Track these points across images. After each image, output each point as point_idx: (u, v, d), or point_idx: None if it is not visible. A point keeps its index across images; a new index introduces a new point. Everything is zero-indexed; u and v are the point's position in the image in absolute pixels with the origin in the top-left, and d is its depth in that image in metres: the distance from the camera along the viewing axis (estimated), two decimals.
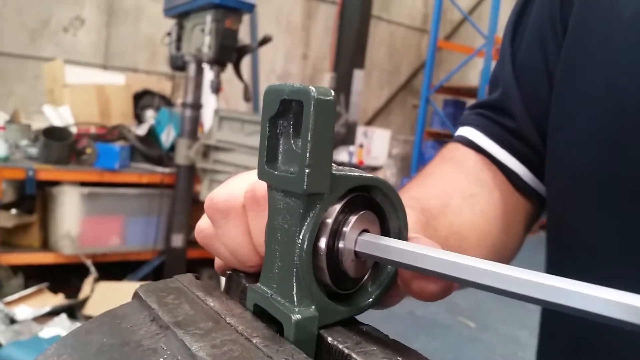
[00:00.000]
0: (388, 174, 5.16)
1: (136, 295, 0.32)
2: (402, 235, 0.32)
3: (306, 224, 0.28)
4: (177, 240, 2.69)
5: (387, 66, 5.80)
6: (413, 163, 5.33)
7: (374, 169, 4.70)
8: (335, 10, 5.07)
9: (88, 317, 2.32)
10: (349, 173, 0.29)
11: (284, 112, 0.29)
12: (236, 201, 0.33)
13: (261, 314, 0.30)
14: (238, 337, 0.27)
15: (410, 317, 3.11)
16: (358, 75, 4.82)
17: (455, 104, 5.70)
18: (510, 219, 0.56)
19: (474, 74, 6.40)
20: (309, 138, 0.26)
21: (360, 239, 0.30)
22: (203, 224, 0.36)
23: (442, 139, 5.73)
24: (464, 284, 0.27)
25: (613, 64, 0.44)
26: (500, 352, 2.83)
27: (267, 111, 0.29)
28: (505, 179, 0.57)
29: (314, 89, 0.26)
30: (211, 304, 0.31)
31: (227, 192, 0.34)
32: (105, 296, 2.38)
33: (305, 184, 0.26)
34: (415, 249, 0.28)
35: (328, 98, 0.26)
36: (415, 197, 0.47)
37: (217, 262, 0.37)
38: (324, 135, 0.26)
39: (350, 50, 4.80)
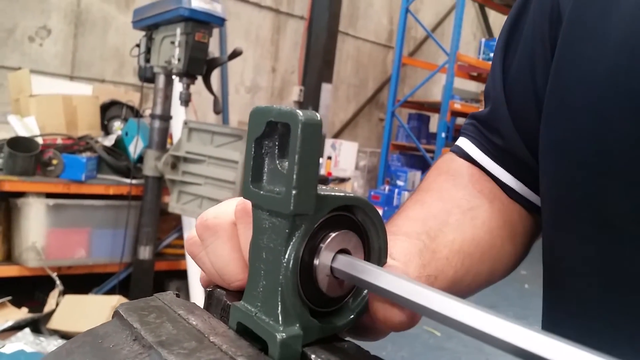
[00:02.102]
0: (356, 186, 5.22)
1: (117, 314, 0.32)
2: (382, 253, 0.32)
3: (292, 243, 0.28)
4: (145, 253, 2.66)
5: (354, 81, 5.90)
6: (380, 174, 5.41)
7: (342, 180, 4.75)
8: (303, 25, 5.14)
9: (53, 332, 2.27)
10: (332, 193, 0.29)
11: (270, 133, 0.29)
12: (225, 218, 0.34)
13: (244, 332, 0.30)
14: (222, 356, 0.27)
15: None
16: (326, 89, 4.89)
17: (419, 117, 5.83)
18: (513, 228, 0.55)
19: (437, 89, 6.56)
20: (296, 160, 0.26)
21: (337, 257, 0.30)
22: (194, 234, 0.37)
23: (407, 152, 5.84)
24: (425, 313, 0.27)
25: (599, 89, 0.43)
26: None
27: (253, 132, 0.29)
28: (501, 191, 0.56)
29: (301, 112, 0.27)
30: (194, 322, 0.31)
31: (217, 211, 0.35)
32: (71, 309, 2.33)
33: (292, 205, 0.27)
34: (383, 273, 0.29)
35: (315, 121, 0.27)
36: (413, 218, 0.47)
37: (202, 275, 0.37)
38: (310, 157, 0.27)
39: (318, 64, 4.87)
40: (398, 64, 5.21)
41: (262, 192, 0.29)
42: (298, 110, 0.27)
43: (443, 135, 4.91)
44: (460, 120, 6.97)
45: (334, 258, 0.30)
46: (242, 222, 0.33)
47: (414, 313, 0.30)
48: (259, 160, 0.30)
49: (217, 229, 0.34)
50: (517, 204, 0.57)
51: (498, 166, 0.56)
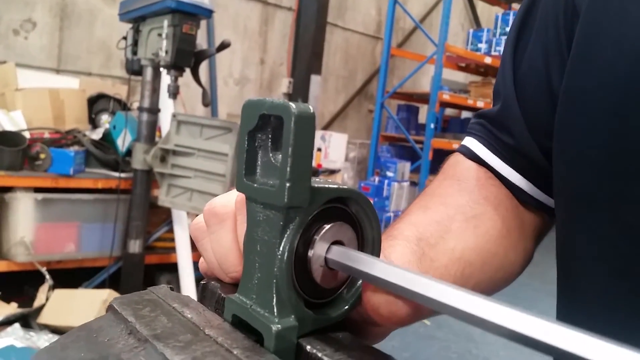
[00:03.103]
0: (345, 177, 5.23)
1: (111, 308, 0.32)
2: (375, 244, 0.33)
3: (286, 235, 0.28)
4: (135, 246, 2.66)
5: (343, 72, 5.89)
6: (369, 166, 5.43)
7: (332, 172, 4.76)
8: (291, 17, 5.12)
9: (43, 326, 2.26)
10: (326, 185, 0.29)
11: (263, 126, 0.29)
12: (232, 207, 0.34)
13: (239, 324, 0.30)
14: (218, 348, 0.27)
15: None
16: (315, 80, 4.88)
17: (408, 108, 5.85)
18: (517, 235, 0.54)
19: (425, 80, 6.57)
20: (290, 153, 0.26)
21: (331, 248, 0.30)
22: (200, 219, 0.37)
23: (397, 143, 5.85)
24: (422, 301, 0.27)
25: (618, 91, 0.42)
26: (455, 350, 2.93)
27: (245, 125, 0.29)
28: (509, 194, 0.55)
29: (294, 105, 0.27)
30: (188, 315, 0.31)
31: (225, 199, 0.35)
32: (61, 304, 2.32)
33: (286, 197, 0.27)
34: (379, 262, 0.29)
35: (308, 114, 0.27)
36: (414, 223, 0.46)
37: (202, 263, 0.37)
38: (303, 150, 0.27)
39: (307, 56, 4.85)
40: (387, 55, 5.21)
41: (255, 185, 0.29)
42: (291, 103, 0.27)
43: (432, 126, 4.93)
44: (449, 111, 6.99)
45: (328, 249, 0.30)
46: (240, 213, 0.33)
47: (418, 305, 0.30)
48: (252, 153, 0.30)
49: (224, 217, 0.34)
50: (526, 204, 0.56)
51: (507, 166, 0.55)
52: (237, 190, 0.30)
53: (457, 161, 0.58)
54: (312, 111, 0.27)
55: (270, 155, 0.30)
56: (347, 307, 0.32)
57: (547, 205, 0.55)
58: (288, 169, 0.27)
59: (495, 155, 0.56)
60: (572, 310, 0.53)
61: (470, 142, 0.58)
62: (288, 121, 0.27)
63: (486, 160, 0.56)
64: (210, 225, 0.35)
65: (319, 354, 0.28)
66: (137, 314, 0.30)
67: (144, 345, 0.28)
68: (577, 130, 0.46)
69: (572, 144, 0.47)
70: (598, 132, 0.44)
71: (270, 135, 0.30)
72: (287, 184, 0.27)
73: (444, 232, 0.46)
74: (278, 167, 0.28)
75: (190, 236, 0.39)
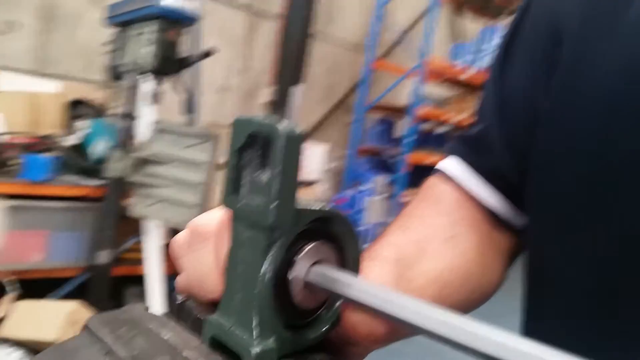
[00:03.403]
0: (323, 189, 5.23)
1: (86, 327, 0.31)
2: (356, 263, 0.33)
3: (269, 256, 0.28)
4: (103, 257, 2.60)
5: (325, 83, 5.90)
6: (346, 178, 5.44)
7: (310, 183, 4.75)
8: (276, 26, 5.10)
9: (5, 340, 2.19)
10: (310, 207, 0.30)
11: (251, 144, 0.29)
12: (215, 227, 0.34)
13: (218, 345, 0.30)
14: None
15: None
16: (298, 90, 4.87)
17: (386, 121, 5.88)
18: (491, 257, 0.55)
19: (405, 93, 6.61)
20: (277, 173, 0.26)
21: (311, 269, 0.30)
22: (182, 237, 0.36)
23: (375, 156, 5.88)
24: (403, 324, 0.27)
25: (604, 109, 0.43)
26: None
27: (234, 143, 0.29)
28: (485, 216, 0.56)
29: (282, 125, 0.26)
30: (166, 336, 0.31)
31: (208, 217, 0.35)
32: (24, 316, 2.25)
33: (271, 217, 0.27)
34: (357, 281, 0.29)
35: (296, 135, 0.27)
36: (393, 244, 0.47)
37: (180, 281, 0.37)
38: (291, 170, 0.27)
39: (290, 66, 4.84)
40: (368, 69, 5.23)
41: (239, 203, 0.29)
42: (280, 124, 0.27)
43: (409, 139, 4.97)
44: (428, 125, 7.06)
45: (309, 270, 0.30)
46: (223, 234, 0.32)
47: (396, 325, 0.30)
48: (239, 171, 0.30)
49: (206, 237, 0.34)
50: (500, 227, 0.56)
51: (484, 189, 0.56)
52: (223, 207, 0.30)
53: (434, 184, 0.59)
54: (300, 132, 0.27)
55: (258, 173, 0.29)
56: (326, 327, 0.32)
57: (518, 227, 0.56)
58: (274, 189, 0.26)
59: (473, 177, 0.56)
60: (538, 329, 0.53)
61: (448, 164, 0.59)
62: (276, 142, 0.26)
63: (462, 183, 0.57)
64: (191, 243, 0.35)
65: None
66: (114, 333, 0.30)
67: None
68: (560, 150, 0.47)
69: (556, 161, 0.48)
70: (582, 151, 0.45)
71: (258, 154, 0.29)
72: (273, 204, 0.26)
73: (422, 252, 0.47)
74: (264, 187, 0.28)
75: (168, 252, 0.38)
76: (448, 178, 0.58)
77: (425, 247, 0.48)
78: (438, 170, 0.60)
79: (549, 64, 0.50)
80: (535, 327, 0.55)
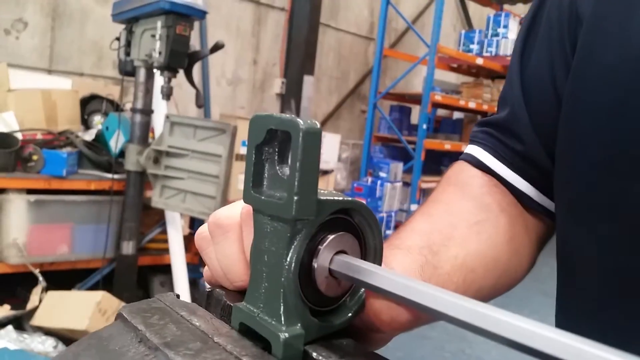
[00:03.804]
0: (338, 178, 5.24)
1: (120, 316, 0.32)
2: (377, 252, 0.34)
3: (293, 247, 0.29)
4: (128, 248, 2.65)
5: (336, 73, 5.90)
6: (362, 166, 5.44)
7: (325, 172, 4.76)
8: (284, 17, 5.12)
9: (37, 328, 2.25)
10: (331, 198, 0.30)
11: (270, 140, 0.30)
12: (237, 219, 0.35)
13: (246, 332, 0.31)
14: (228, 356, 0.28)
15: None
16: (308, 81, 4.88)
17: (401, 109, 5.86)
18: (520, 241, 0.55)
19: (418, 81, 6.59)
20: (298, 167, 0.27)
21: (335, 258, 0.31)
22: (205, 228, 0.38)
23: (389, 143, 5.87)
24: (424, 311, 0.28)
25: (620, 93, 0.44)
26: (449, 349, 2.94)
27: (253, 139, 0.30)
28: (514, 200, 0.56)
29: (301, 121, 0.27)
30: (197, 323, 0.32)
31: (230, 210, 0.36)
32: (54, 306, 2.31)
33: (293, 210, 0.28)
34: (380, 271, 0.30)
35: (315, 130, 0.28)
36: (417, 231, 0.47)
37: (207, 272, 0.38)
38: (311, 164, 0.28)
39: (299, 56, 4.86)
40: (379, 56, 5.22)
41: (263, 197, 0.30)
42: (299, 120, 0.28)
43: (424, 126, 4.95)
44: (441, 112, 7.02)
45: (332, 259, 0.31)
46: (247, 224, 0.33)
47: (418, 312, 0.31)
48: (259, 166, 0.31)
49: (228, 229, 0.35)
50: (528, 213, 0.57)
51: (513, 173, 0.56)
52: (245, 202, 0.31)
53: (461, 169, 0.59)
54: (319, 127, 0.28)
55: (277, 168, 0.31)
56: (350, 314, 0.33)
57: (551, 210, 0.56)
58: (296, 182, 0.27)
59: (501, 162, 0.56)
60: (570, 308, 0.54)
61: (475, 150, 0.59)
62: (296, 137, 0.27)
63: (492, 167, 0.57)
64: (214, 236, 0.36)
65: None
66: (146, 322, 0.31)
67: (154, 353, 0.28)
68: (580, 131, 0.48)
69: (574, 145, 0.49)
70: (599, 132, 0.46)
71: (277, 149, 0.31)
72: (295, 197, 0.27)
73: (446, 239, 0.47)
74: (285, 180, 0.29)
75: (196, 244, 0.39)
76: (474, 164, 0.58)
77: (451, 233, 0.48)
78: (464, 157, 0.60)
79: (569, 45, 0.51)
80: (567, 305, 0.55)
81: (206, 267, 0.38)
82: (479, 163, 0.58)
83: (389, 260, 0.41)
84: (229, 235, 0.35)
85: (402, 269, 0.41)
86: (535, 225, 0.57)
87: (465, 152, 0.60)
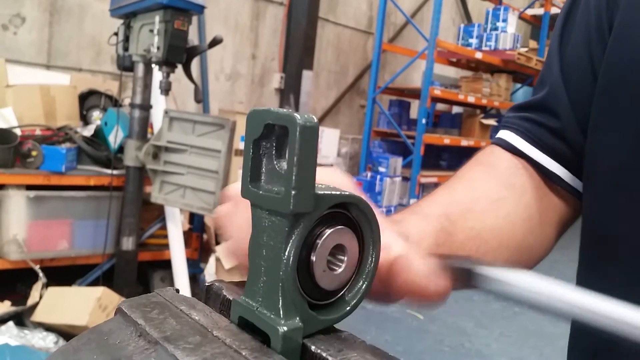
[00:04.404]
0: None
1: (119, 310, 0.32)
2: (375, 247, 0.33)
3: (291, 241, 0.29)
4: (128, 243, 2.65)
5: (335, 67, 5.89)
6: (362, 161, 5.44)
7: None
8: (282, 11, 5.11)
9: (38, 324, 2.26)
10: (329, 192, 0.30)
11: (268, 134, 0.30)
12: None
13: (245, 325, 0.31)
14: (227, 349, 0.28)
15: (362, 312, 3.18)
16: (307, 76, 4.88)
17: (400, 104, 5.86)
18: (540, 221, 0.56)
19: (417, 75, 6.58)
20: (295, 162, 0.27)
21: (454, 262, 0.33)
22: (225, 206, 0.38)
23: (389, 138, 5.87)
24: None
25: None
26: (448, 343, 2.95)
27: (250, 133, 0.30)
28: (541, 182, 0.58)
29: (298, 116, 0.27)
30: (196, 317, 0.32)
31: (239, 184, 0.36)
32: (55, 302, 2.31)
33: (291, 204, 0.28)
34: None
35: (312, 124, 0.28)
36: (438, 202, 0.48)
37: (227, 247, 0.38)
38: (308, 158, 0.28)
39: (298, 51, 4.84)
40: (378, 51, 5.21)
41: (260, 192, 0.30)
42: (296, 114, 0.28)
43: (423, 121, 4.95)
44: (441, 106, 7.01)
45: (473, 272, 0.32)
46: None
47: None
48: (257, 161, 0.31)
49: (240, 200, 0.35)
50: (554, 194, 0.58)
51: (544, 154, 0.57)
52: (243, 197, 0.31)
53: (491, 151, 0.61)
54: (316, 121, 0.28)
55: (275, 163, 0.31)
56: (348, 308, 0.33)
57: (579, 191, 0.58)
58: (293, 177, 0.27)
59: (532, 145, 0.58)
60: (592, 286, 0.55)
61: (506, 135, 0.60)
62: (293, 131, 0.27)
63: (522, 150, 0.58)
64: (235, 211, 0.37)
65: (324, 354, 0.29)
66: (145, 316, 0.31)
67: (154, 347, 0.28)
68: (614, 109, 0.49)
69: (608, 122, 0.50)
70: (634, 110, 0.47)
71: (274, 144, 0.31)
72: (293, 192, 0.27)
73: (465, 211, 0.49)
74: (283, 175, 0.29)
75: (214, 227, 0.39)
76: (506, 147, 0.59)
77: (470, 207, 0.49)
78: (496, 141, 0.61)
79: (607, 26, 0.53)
80: (589, 280, 0.56)
81: (226, 243, 0.38)
82: (510, 146, 0.59)
83: (405, 224, 0.42)
84: (240, 207, 0.35)
85: (417, 232, 0.42)
86: (560, 207, 0.58)
87: (497, 137, 0.62)
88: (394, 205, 5.13)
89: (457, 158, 6.09)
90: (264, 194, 0.30)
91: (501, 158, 0.59)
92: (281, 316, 0.29)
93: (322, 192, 0.30)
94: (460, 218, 0.47)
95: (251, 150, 0.30)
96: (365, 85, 5.96)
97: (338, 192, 0.31)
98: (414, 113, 6.01)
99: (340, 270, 0.32)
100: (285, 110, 0.29)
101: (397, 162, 5.25)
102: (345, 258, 0.32)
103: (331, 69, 5.84)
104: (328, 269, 0.31)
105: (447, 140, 5.36)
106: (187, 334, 0.29)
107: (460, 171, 0.57)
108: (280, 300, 0.29)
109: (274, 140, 0.31)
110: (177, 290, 0.36)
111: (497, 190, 0.53)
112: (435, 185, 5.66)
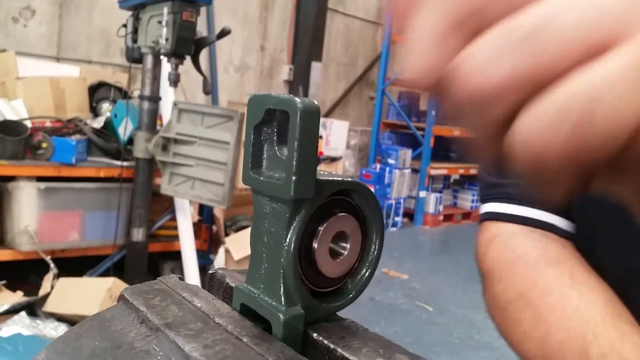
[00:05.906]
0: (347, 164, 5.23)
1: (122, 297, 0.32)
2: (378, 234, 0.33)
3: (292, 227, 0.29)
4: (138, 235, 2.67)
5: (344, 59, 5.86)
6: (371, 153, 5.42)
7: (333, 159, 4.75)
8: (291, 3, 5.08)
9: (49, 314, 2.28)
10: (330, 178, 0.30)
11: (269, 120, 0.30)
12: None
13: (247, 312, 0.31)
14: (228, 336, 0.28)
15: (371, 303, 3.19)
16: (316, 67, 4.86)
17: (410, 96, 5.83)
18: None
19: None
20: (296, 147, 0.27)
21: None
22: None
23: (398, 130, 5.84)
24: None
25: None
26: (457, 335, 2.95)
27: (251, 119, 0.30)
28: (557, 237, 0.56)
29: (299, 100, 0.27)
30: (198, 304, 0.32)
31: None
32: (66, 292, 2.34)
33: (292, 190, 0.27)
34: None
35: (313, 109, 0.27)
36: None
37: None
38: (309, 143, 0.27)
39: (307, 42, 4.83)
40: (388, 42, 5.18)
41: (262, 178, 0.30)
42: (296, 98, 0.27)
43: (433, 113, 4.92)
44: None
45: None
46: None
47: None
48: (258, 147, 0.30)
49: None
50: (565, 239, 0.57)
51: (548, 213, 0.56)
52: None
53: (503, 240, 0.58)
54: (317, 106, 0.27)
55: (276, 148, 0.30)
56: (350, 296, 0.33)
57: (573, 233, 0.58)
58: (294, 162, 0.27)
59: (527, 207, 0.56)
60: None
61: (494, 207, 0.59)
62: (294, 116, 0.27)
63: (519, 215, 0.56)
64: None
65: (325, 341, 0.29)
66: (148, 303, 0.31)
67: (155, 333, 0.28)
68: None
69: None
70: None
71: (275, 129, 0.30)
72: (294, 178, 0.27)
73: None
74: (284, 161, 0.29)
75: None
76: (505, 219, 0.58)
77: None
78: (486, 217, 0.60)
79: None
80: None
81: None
82: (507, 216, 0.57)
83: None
84: None
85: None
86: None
87: (483, 212, 0.60)
88: (403, 197, 5.12)
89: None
90: (265, 180, 0.29)
91: (520, 244, 0.56)
92: (282, 303, 0.29)
93: (323, 179, 0.29)
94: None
95: (252, 136, 0.30)
96: (375, 76, 5.93)
97: (340, 179, 0.31)
98: (423, 105, 5.97)
99: (342, 257, 0.32)
100: (286, 95, 0.28)
101: (407, 154, 5.23)
102: (348, 245, 0.32)
103: (340, 61, 5.81)
104: (330, 257, 0.31)
105: (457, 132, 5.33)
106: (188, 321, 0.29)
107: (516, 285, 0.54)
108: (282, 287, 0.29)
109: (275, 126, 0.30)
110: (181, 278, 0.36)
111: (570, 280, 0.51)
112: (445, 177, 5.63)
